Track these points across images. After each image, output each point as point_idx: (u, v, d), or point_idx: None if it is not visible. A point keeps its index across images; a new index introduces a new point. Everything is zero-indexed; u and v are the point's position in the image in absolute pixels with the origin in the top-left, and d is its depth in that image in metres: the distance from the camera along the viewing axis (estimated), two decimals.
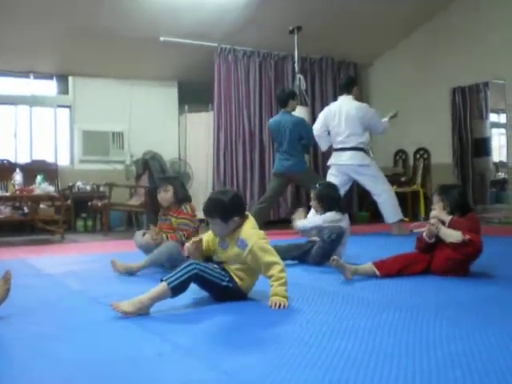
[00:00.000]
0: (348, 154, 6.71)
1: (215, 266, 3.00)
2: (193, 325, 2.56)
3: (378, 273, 3.63)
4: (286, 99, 7.25)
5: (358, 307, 2.84)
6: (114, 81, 9.57)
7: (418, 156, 9.72)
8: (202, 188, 9.16)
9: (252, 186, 8.93)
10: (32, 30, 7.76)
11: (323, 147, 7.20)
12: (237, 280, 3.00)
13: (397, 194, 7.07)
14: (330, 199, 4.51)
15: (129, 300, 2.73)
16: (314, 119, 7.87)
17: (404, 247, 4.14)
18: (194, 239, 3.18)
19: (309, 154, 8.15)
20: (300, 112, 7.65)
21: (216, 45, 8.81)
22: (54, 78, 9.39)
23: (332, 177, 6.70)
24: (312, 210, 4.86)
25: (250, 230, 2.97)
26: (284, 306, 2.82)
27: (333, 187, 4.68)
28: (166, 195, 4.43)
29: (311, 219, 4.66)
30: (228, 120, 8.88)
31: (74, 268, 4.56)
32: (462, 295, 3.11)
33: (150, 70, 9.55)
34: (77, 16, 7.61)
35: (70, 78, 9.41)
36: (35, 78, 9.20)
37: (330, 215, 4.41)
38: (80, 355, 2.11)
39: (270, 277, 2.92)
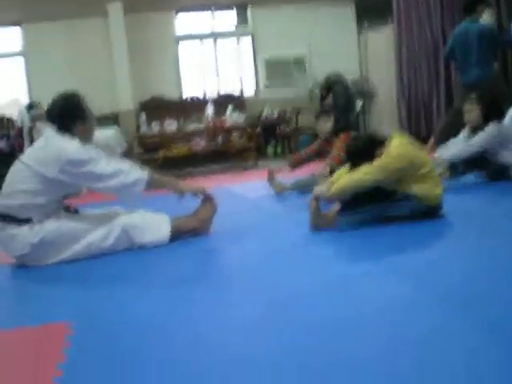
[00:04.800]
0: None
1: None
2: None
3: None
4: (471, 5, 6.78)
5: None
6: (290, 6, 9.58)
7: None
8: (386, 103, 9.03)
9: (438, 99, 8.59)
10: None
11: None
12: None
13: None
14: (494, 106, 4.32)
15: None
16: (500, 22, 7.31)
17: None
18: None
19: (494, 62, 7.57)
20: (486, 16, 7.09)
21: None
22: (234, 9, 9.62)
23: None
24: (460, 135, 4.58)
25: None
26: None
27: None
28: (324, 126, 4.53)
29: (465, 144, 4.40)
30: (409, 33, 8.55)
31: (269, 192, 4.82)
32: None
33: None
34: None
35: (249, 8, 9.59)
36: (216, 9, 9.50)
37: (493, 126, 4.21)
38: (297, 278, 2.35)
39: None
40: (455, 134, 4.71)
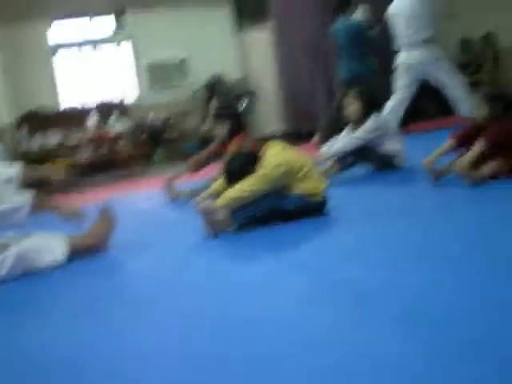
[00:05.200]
0: (417, 50, 6.47)
1: None
2: None
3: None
4: (341, 3, 7.05)
5: None
6: (168, 10, 9.50)
7: (485, 42, 9.27)
8: (270, 101, 9.16)
9: (320, 96, 8.79)
10: None
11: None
12: None
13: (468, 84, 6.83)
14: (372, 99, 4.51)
15: None
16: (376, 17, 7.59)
17: None
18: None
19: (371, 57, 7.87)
20: (359, 14, 7.36)
21: None
22: (113, 14, 9.41)
23: (401, 77, 6.53)
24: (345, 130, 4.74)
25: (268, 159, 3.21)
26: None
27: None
28: (221, 130, 4.58)
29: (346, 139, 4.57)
30: (288, 31, 8.68)
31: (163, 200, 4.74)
32: None
33: None
34: None
35: (128, 14, 9.41)
36: (93, 16, 9.25)
37: (373, 118, 4.40)
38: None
39: None
40: (339, 129, 4.86)
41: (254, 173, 3.17)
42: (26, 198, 2.90)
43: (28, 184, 3.11)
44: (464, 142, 3.69)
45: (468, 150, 3.51)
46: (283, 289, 2.13)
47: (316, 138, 6.98)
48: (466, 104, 6.31)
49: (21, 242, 2.96)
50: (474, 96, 3.94)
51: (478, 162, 3.46)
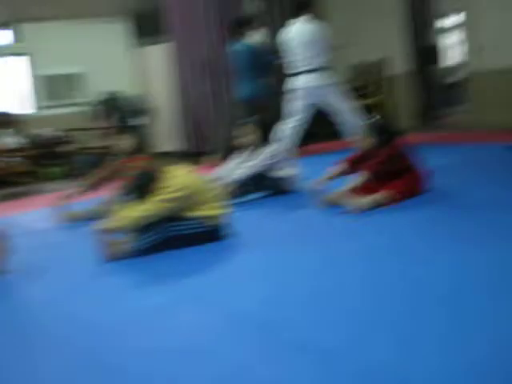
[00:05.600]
0: (313, 75, 6.72)
1: None
2: None
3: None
4: (237, 29, 7.26)
5: None
6: (67, 24, 9.35)
7: (377, 67, 9.74)
8: (169, 119, 9.19)
9: (217, 115, 8.88)
10: None
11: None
12: None
13: (362, 107, 7.18)
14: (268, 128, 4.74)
15: None
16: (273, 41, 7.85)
17: None
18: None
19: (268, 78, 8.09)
20: (255, 36, 7.56)
21: None
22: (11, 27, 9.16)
23: (297, 101, 6.76)
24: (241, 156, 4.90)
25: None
26: None
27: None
28: (122, 145, 4.58)
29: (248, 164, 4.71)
30: (185, 49, 8.73)
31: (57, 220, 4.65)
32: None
33: (98, 7, 9.34)
34: None
35: (25, 26, 9.17)
36: None
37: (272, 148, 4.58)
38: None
39: None
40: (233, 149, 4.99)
41: (153, 192, 3.20)
42: None
43: None
44: (355, 167, 3.96)
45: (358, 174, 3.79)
46: (177, 320, 2.19)
47: (209, 158, 7.09)
48: (356, 129, 6.64)
49: None
50: (363, 125, 4.22)
51: (365, 191, 3.70)
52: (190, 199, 3.27)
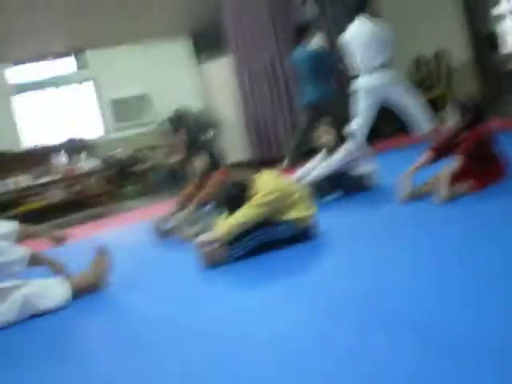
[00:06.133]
0: (376, 75, 6.77)
1: None
2: None
3: None
4: (298, 33, 7.36)
5: None
6: (128, 47, 9.67)
7: (438, 58, 9.67)
8: (234, 131, 9.38)
9: (283, 120, 9.02)
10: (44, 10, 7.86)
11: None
12: None
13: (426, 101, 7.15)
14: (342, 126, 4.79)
15: None
16: (331, 43, 7.96)
17: None
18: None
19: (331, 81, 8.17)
20: (316, 41, 7.67)
21: None
22: (73, 54, 9.53)
23: (361, 101, 6.81)
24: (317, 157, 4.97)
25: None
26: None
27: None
28: (201, 162, 4.69)
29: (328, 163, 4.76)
30: (247, 61, 8.93)
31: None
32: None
33: (158, 27, 9.62)
34: None
35: (88, 52, 9.54)
36: (54, 58, 9.35)
37: (350, 145, 4.64)
38: None
39: None
40: (304, 153, 5.06)
41: (247, 201, 3.31)
42: (23, 251, 3.05)
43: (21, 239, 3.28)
44: (441, 154, 3.90)
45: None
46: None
47: (284, 164, 7.19)
48: (425, 123, 6.63)
49: (25, 286, 3.08)
50: (448, 106, 4.09)
51: (452, 179, 3.68)
52: (281, 202, 3.34)
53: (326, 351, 1.84)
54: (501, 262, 2.32)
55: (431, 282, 2.27)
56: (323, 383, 1.66)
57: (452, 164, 3.68)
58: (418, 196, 3.86)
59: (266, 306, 2.46)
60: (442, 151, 3.90)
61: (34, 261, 3.12)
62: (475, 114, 3.84)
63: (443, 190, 3.62)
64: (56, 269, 3.24)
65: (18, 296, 2.98)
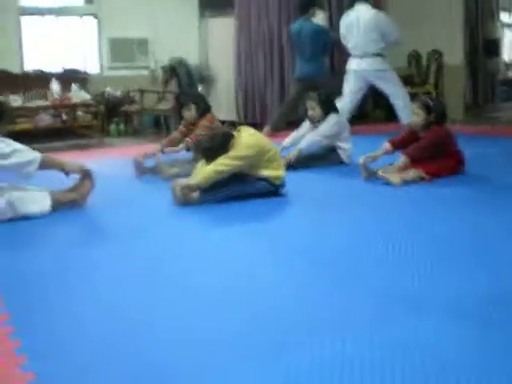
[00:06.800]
0: (367, 60, 7.09)
1: None
2: None
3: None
4: (305, 6, 7.58)
5: None
6: None
7: (431, 57, 9.97)
8: (224, 90, 9.66)
9: (272, 88, 9.29)
10: None
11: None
12: None
13: (410, 94, 7.49)
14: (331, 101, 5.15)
15: None
16: (331, 24, 8.24)
17: None
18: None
19: (326, 59, 8.46)
20: (319, 17, 7.93)
21: None
22: None
23: (349, 82, 7.15)
24: (304, 124, 5.36)
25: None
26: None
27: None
28: (189, 113, 5.04)
29: (314, 134, 5.16)
30: (248, 25, 9.16)
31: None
32: None
33: None
34: None
35: None
36: None
37: (333, 117, 5.00)
38: None
39: None
40: (287, 123, 5.39)
41: (227, 152, 3.65)
42: (37, 153, 3.40)
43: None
44: (399, 147, 4.32)
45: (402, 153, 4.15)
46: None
47: (265, 130, 7.48)
48: (406, 114, 7.00)
49: (11, 190, 3.43)
50: (412, 103, 4.50)
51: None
52: (258, 157, 3.69)
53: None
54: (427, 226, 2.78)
55: (361, 240, 2.72)
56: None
57: (397, 162, 4.13)
58: (379, 177, 4.26)
59: (225, 242, 2.86)
60: (398, 145, 4.33)
61: (45, 163, 3.46)
62: (438, 115, 4.24)
63: (392, 177, 4.05)
64: (68, 169, 3.59)
65: (3, 198, 3.35)
